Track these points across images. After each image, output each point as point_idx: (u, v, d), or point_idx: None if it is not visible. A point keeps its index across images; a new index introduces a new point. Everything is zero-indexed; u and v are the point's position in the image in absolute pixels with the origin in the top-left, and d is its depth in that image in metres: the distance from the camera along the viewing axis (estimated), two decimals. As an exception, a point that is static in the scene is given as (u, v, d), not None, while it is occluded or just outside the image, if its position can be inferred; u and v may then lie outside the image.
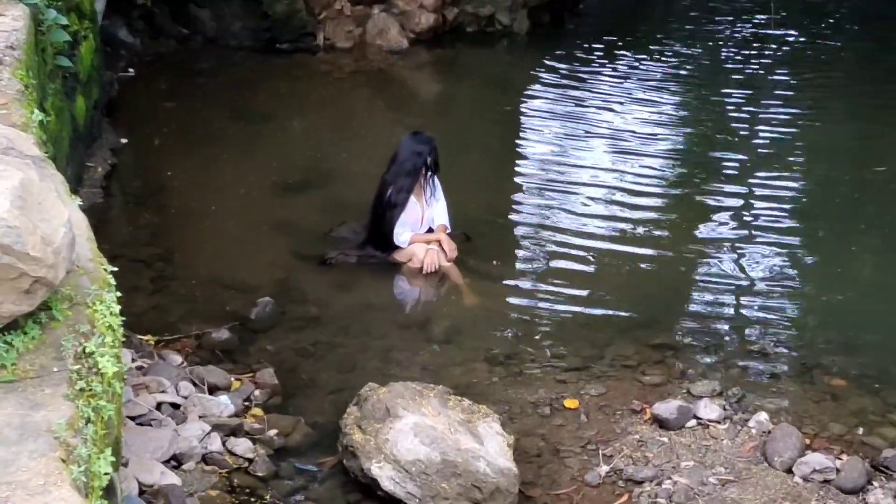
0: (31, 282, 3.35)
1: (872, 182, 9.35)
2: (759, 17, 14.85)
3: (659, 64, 12.70)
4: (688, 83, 12.25)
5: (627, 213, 8.49)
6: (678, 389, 6.11)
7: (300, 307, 6.92)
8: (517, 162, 9.68)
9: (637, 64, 12.63)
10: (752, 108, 11.22)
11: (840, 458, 5.50)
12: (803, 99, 11.59)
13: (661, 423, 5.77)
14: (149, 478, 4.86)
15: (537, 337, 6.73)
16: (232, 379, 5.96)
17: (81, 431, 3.25)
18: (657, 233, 8.22)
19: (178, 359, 6.11)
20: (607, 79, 12.04)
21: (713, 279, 7.56)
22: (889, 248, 8.16)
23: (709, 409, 5.84)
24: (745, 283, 7.50)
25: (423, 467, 4.99)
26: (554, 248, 7.90)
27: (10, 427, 3.17)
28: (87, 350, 3.53)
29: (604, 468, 5.46)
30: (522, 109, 11.15)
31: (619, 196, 8.81)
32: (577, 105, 11.11)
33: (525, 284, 7.44)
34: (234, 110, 10.30)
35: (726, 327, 6.95)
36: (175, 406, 5.57)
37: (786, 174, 9.42)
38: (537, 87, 11.72)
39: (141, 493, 4.76)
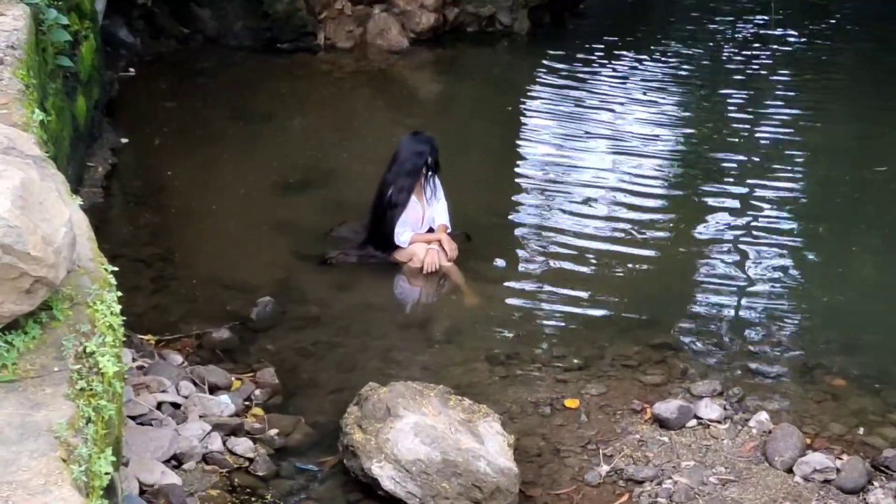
0: (31, 281, 3.35)
1: (873, 182, 9.36)
2: (759, 17, 14.85)
3: (659, 64, 12.70)
4: (688, 83, 12.26)
5: (628, 214, 8.50)
6: (679, 389, 6.11)
7: (301, 307, 6.92)
8: (517, 162, 9.68)
9: (637, 64, 12.63)
10: (752, 109, 11.22)
11: (840, 458, 5.50)
12: (804, 99, 11.59)
13: (661, 422, 5.77)
14: (149, 477, 4.87)
15: (538, 337, 6.74)
16: (232, 378, 5.96)
17: (82, 431, 3.25)
18: (657, 233, 8.22)
19: (179, 358, 6.11)
20: (608, 79, 12.04)
21: (714, 279, 7.56)
22: (889, 248, 8.16)
23: (709, 409, 5.84)
24: (745, 282, 7.50)
25: (423, 467, 4.99)
26: (554, 247, 7.90)
27: (11, 426, 3.17)
28: (88, 350, 3.53)
29: (604, 468, 5.47)
30: (523, 109, 11.15)
31: (619, 196, 8.81)
32: (577, 105, 11.11)
33: (525, 284, 7.44)
34: (235, 110, 10.30)
35: (727, 327, 6.95)
36: (175, 406, 5.58)
37: (786, 174, 9.42)
38: (538, 87, 11.73)
39: (141, 492, 4.77)
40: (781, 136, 10.39)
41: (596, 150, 9.94)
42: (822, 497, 5.24)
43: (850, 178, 9.44)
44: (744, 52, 13.38)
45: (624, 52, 12.95)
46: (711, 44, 13.82)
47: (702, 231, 8.28)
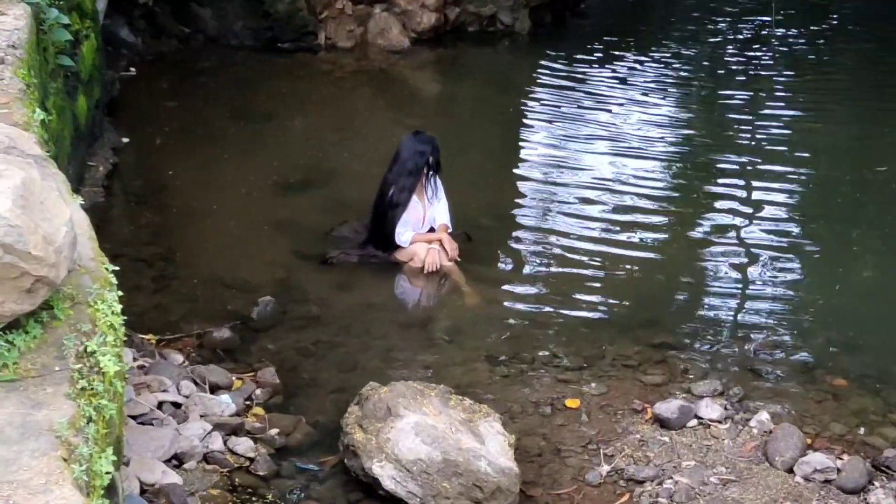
0: (32, 281, 3.35)
1: (873, 182, 9.35)
2: (760, 17, 14.84)
3: (660, 64, 12.69)
4: (689, 84, 12.25)
5: (628, 214, 8.49)
6: (679, 389, 6.11)
7: (301, 306, 6.92)
8: (518, 162, 9.68)
9: (638, 64, 12.62)
10: (753, 109, 11.22)
11: (841, 458, 5.50)
12: (804, 100, 11.58)
13: (662, 422, 5.77)
14: (150, 477, 4.87)
15: (538, 336, 6.73)
16: (233, 378, 5.96)
17: (83, 430, 3.25)
18: (658, 233, 8.22)
19: (180, 358, 6.11)
20: (608, 79, 12.03)
21: (714, 279, 7.57)
22: (890, 248, 8.16)
23: (710, 409, 5.84)
24: (746, 282, 7.50)
25: (424, 466, 4.99)
26: (555, 248, 7.89)
27: (12, 426, 3.18)
28: (89, 349, 3.53)
29: (605, 468, 5.47)
30: (524, 109, 11.14)
31: (620, 196, 8.81)
32: (578, 105, 11.10)
33: (526, 284, 7.44)
34: (236, 109, 10.30)
35: (727, 327, 6.95)
36: (176, 405, 5.57)
37: (786, 174, 9.42)
38: (539, 86, 11.72)
39: (142, 492, 4.77)
40: (782, 137, 10.38)
41: (596, 150, 9.93)
42: (822, 497, 5.24)
43: (851, 178, 9.44)
44: (744, 53, 13.38)
45: (625, 52, 12.94)
46: (712, 44, 13.82)
47: (702, 231, 8.29)
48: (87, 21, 8.35)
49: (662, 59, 12.86)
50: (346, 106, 10.95)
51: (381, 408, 5.26)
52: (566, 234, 8.08)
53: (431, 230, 7.51)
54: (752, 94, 11.74)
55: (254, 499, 5.08)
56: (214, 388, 5.81)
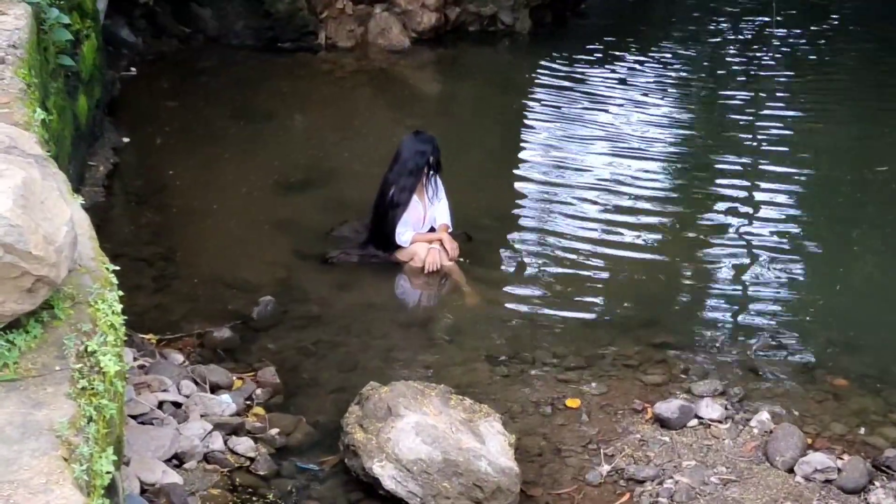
0: (33, 280, 3.35)
1: (873, 182, 9.35)
2: (760, 17, 14.84)
3: (660, 65, 12.69)
4: (689, 84, 12.25)
5: (628, 214, 8.49)
6: (680, 389, 6.11)
7: (302, 306, 6.92)
8: (518, 162, 9.67)
9: (638, 65, 12.62)
10: (753, 109, 11.22)
11: (841, 458, 5.50)
12: (804, 100, 11.58)
13: (662, 422, 5.77)
14: (150, 476, 4.87)
15: (539, 336, 6.73)
16: (233, 378, 5.96)
17: (83, 430, 3.25)
18: (658, 233, 8.22)
19: (180, 357, 6.11)
20: (609, 79, 12.03)
21: (715, 279, 7.57)
22: (890, 248, 8.16)
23: (710, 409, 5.84)
24: (746, 282, 7.50)
25: (424, 466, 4.99)
26: (555, 248, 7.89)
27: (12, 425, 3.18)
28: (89, 349, 3.53)
29: (605, 467, 5.47)
30: (524, 109, 11.14)
31: (620, 197, 8.80)
32: (578, 105, 11.10)
33: (526, 284, 7.44)
34: (236, 109, 10.30)
35: (728, 327, 6.95)
36: (177, 405, 5.57)
37: (787, 174, 9.42)
38: (539, 87, 11.72)
39: (143, 491, 4.77)
40: (782, 137, 10.38)
41: (597, 151, 9.93)
42: (823, 497, 5.24)
43: (851, 178, 9.44)
44: (745, 53, 13.38)
45: (625, 53, 12.94)
46: (712, 44, 13.82)
47: (702, 231, 8.29)
48: (87, 21, 8.35)
49: (663, 60, 12.86)
50: (347, 106, 10.95)
51: (381, 407, 5.26)
52: (566, 235, 8.08)
53: (432, 230, 7.51)
54: (752, 94, 11.74)
55: (254, 498, 5.08)
56: (215, 388, 5.81)
